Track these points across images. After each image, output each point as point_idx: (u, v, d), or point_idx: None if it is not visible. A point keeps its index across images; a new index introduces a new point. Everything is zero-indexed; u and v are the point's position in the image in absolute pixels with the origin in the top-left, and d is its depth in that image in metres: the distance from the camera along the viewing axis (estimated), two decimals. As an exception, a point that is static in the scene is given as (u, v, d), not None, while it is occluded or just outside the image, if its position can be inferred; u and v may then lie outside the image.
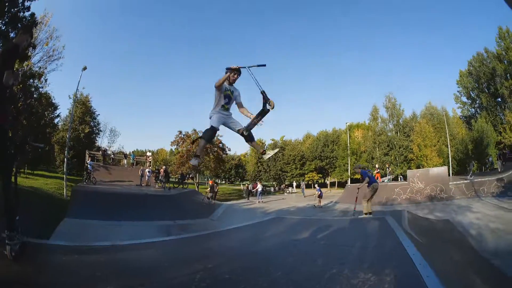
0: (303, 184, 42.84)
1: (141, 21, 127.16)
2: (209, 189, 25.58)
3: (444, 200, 22.76)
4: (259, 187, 33.05)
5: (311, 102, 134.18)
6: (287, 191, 49.13)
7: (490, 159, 40.20)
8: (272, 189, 53.66)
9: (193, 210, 19.75)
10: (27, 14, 16.23)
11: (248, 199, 34.62)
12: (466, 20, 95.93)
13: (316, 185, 38.33)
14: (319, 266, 4.52)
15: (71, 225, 10.76)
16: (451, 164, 42.43)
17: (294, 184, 52.74)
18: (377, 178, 30.95)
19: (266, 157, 5.88)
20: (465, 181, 24.64)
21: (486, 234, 12.20)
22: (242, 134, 5.51)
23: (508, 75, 45.73)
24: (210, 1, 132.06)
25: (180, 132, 40.81)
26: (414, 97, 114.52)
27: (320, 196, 26.34)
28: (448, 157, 42.91)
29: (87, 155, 31.06)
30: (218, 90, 5.58)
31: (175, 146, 43.49)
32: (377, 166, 38.06)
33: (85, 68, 26.79)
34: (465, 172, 33.92)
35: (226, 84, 5.68)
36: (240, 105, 5.82)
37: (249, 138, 5.60)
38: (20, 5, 15.80)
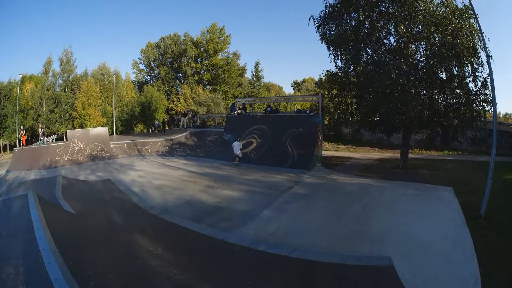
0: None
1: None
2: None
3: (106, 159, 22.90)
4: None
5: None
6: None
7: (157, 122, 43.75)
8: None
9: None
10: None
11: None
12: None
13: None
14: None
15: None
16: (115, 124, 44.37)
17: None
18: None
19: None
20: (127, 141, 25.67)
21: (150, 191, 12.57)
22: None
23: (199, 59, 57.31)
24: None
25: None
26: (93, 55, 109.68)
27: None
28: (113, 116, 44.27)
29: None
30: None
31: None
32: (22, 127, 30.95)
33: None
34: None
35: None
36: None
37: None
38: None
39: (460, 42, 14.65)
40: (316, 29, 19.10)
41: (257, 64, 64.53)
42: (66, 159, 22.22)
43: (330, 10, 18.57)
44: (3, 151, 46.67)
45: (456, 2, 15.61)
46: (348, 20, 18.44)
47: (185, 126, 29.87)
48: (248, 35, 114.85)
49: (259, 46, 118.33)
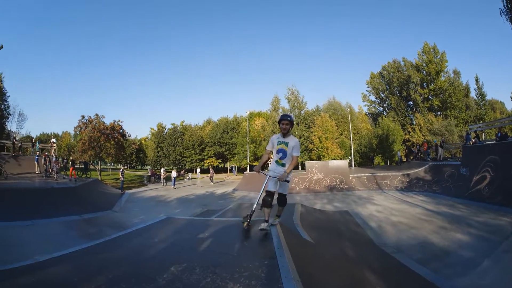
0: (212, 171, 41.73)
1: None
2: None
3: (345, 190, 23.99)
4: (173, 173, 33.75)
5: (214, 88, 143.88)
6: (187, 177, 46.38)
7: (399, 154, 42.48)
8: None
9: (96, 201, 19.39)
10: None
11: (147, 185, 34.92)
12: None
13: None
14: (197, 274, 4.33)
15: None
16: (354, 157, 46.17)
17: (198, 170, 50.31)
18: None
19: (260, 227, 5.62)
20: (367, 174, 26.33)
21: (386, 227, 12.50)
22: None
23: (424, 84, 54.08)
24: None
25: (83, 117, 37.62)
26: (317, 90, 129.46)
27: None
28: (351, 149, 46.32)
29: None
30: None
31: (78, 131, 39.94)
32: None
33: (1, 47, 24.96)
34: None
35: (278, 136, 5.83)
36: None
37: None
38: None
39: None
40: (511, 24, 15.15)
41: (477, 80, 54.78)
42: (302, 187, 24.71)
43: None
44: (230, 172, 58.37)
45: None
46: None
47: (441, 158, 27.51)
48: (457, 48, 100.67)
49: (468, 57, 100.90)
